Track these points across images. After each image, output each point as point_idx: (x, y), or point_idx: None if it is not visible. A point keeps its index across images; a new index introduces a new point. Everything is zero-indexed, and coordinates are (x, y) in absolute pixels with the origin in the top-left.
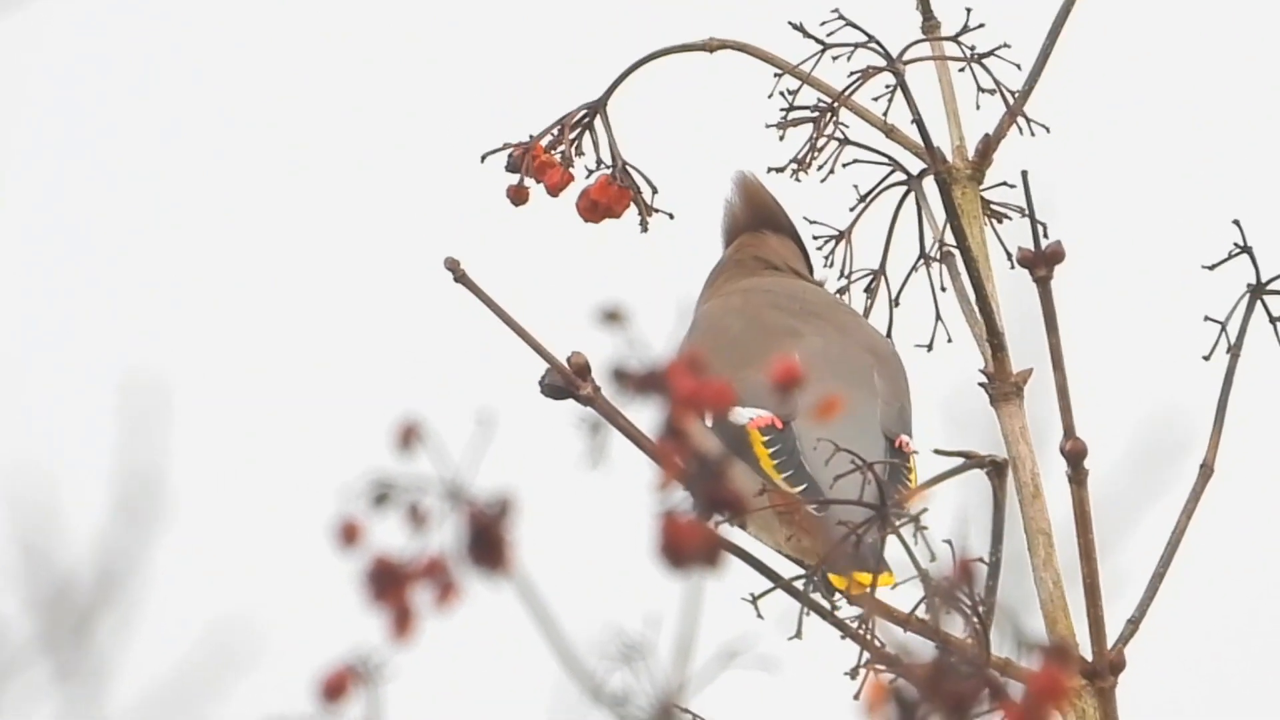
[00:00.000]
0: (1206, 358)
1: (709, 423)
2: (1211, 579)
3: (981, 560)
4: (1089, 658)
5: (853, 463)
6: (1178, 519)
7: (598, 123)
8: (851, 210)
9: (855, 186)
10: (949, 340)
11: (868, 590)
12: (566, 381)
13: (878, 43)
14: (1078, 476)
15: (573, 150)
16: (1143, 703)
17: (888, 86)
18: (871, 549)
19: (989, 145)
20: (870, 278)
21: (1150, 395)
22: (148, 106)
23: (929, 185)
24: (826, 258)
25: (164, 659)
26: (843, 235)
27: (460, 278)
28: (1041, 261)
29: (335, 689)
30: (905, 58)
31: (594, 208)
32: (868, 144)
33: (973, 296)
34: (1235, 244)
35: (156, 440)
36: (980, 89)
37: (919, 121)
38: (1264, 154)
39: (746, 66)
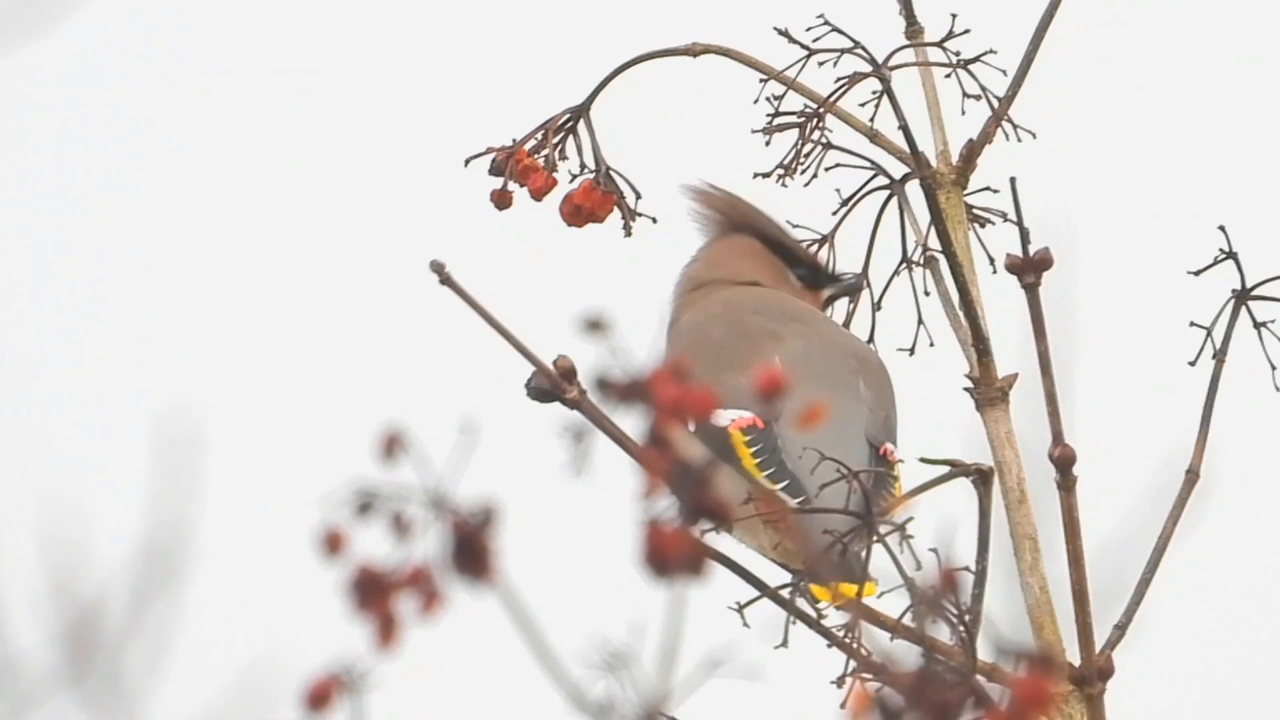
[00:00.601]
0: (1192, 363)
1: (692, 428)
2: (1198, 585)
3: (967, 568)
4: (1077, 664)
5: (838, 470)
6: (1164, 525)
7: (581, 127)
8: (835, 214)
9: (838, 191)
10: (931, 345)
11: (850, 601)
12: (552, 385)
13: (863, 48)
14: (1066, 483)
15: (556, 154)
16: (1130, 709)
17: (873, 92)
18: (855, 558)
19: (973, 150)
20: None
21: (1136, 401)
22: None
23: (913, 190)
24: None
25: (193, 698)
26: (826, 239)
27: (445, 281)
28: (1030, 268)
29: (320, 698)
30: (890, 63)
31: (577, 212)
32: (852, 149)
33: (957, 301)
34: (1220, 249)
35: (188, 477)
36: (965, 94)
37: (904, 127)
38: (1249, 159)
39: (731, 71)
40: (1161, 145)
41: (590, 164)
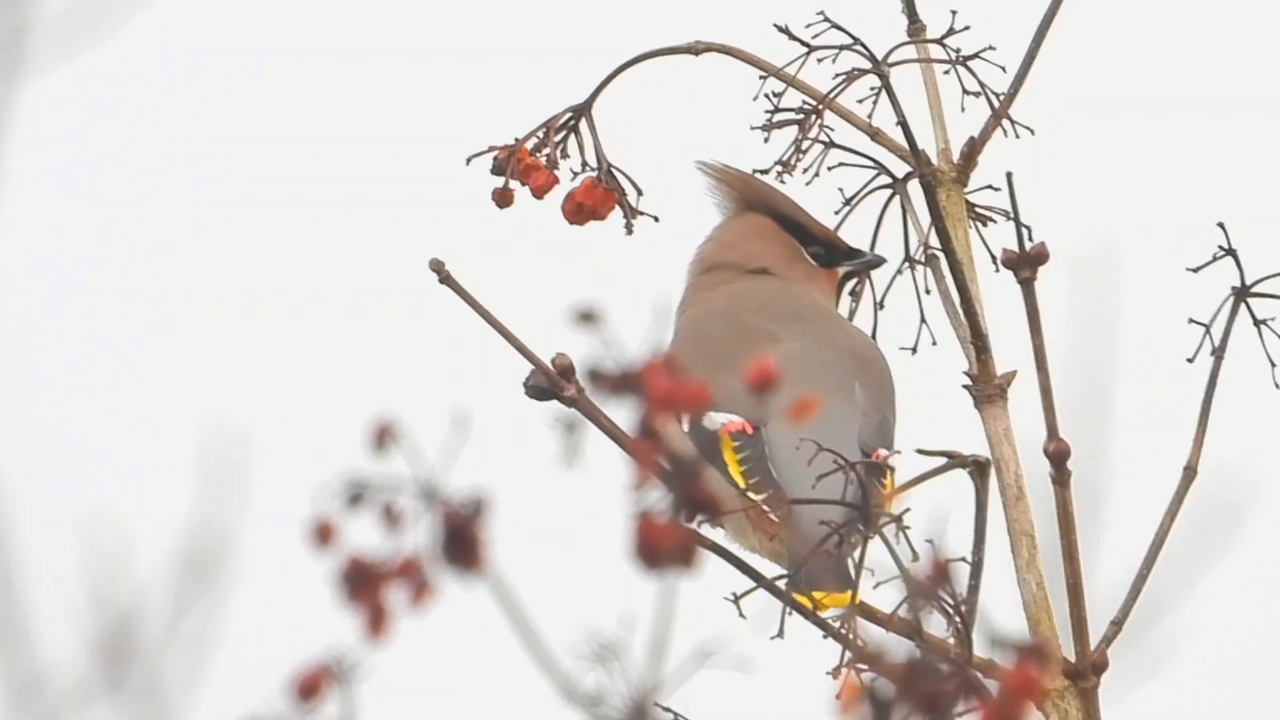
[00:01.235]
0: (1191, 360)
1: (685, 426)
2: (1194, 580)
3: (963, 560)
4: (1072, 658)
5: (821, 477)
6: (1161, 520)
7: (583, 125)
8: (837, 213)
9: (840, 190)
10: (933, 343)
11: (830, 607)
12: (551, 383)
13: (863, 45)
14: (1061, 478)
15: (558, 153)
16: (1125, 704)
17: (873, 89)
18: (843, 561)
19: (974, 148)
20: (855, 280)
21: (1134, 395)
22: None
23: (914, 188)
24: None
25: (232, 708)
26: None
27: (445, 279)
28: (1026, 263)
29: (310, 688)
30: (890, 60)
31: (579, 210)
32: (853, 147)
33: (957, 299)
34: (1220, 247)
35: (230, 486)
36: (965, 91)
37: (904, 124)
38: (1249, 156)
39: (732, 69)
40: (1161, 142)
41: (592, 162)
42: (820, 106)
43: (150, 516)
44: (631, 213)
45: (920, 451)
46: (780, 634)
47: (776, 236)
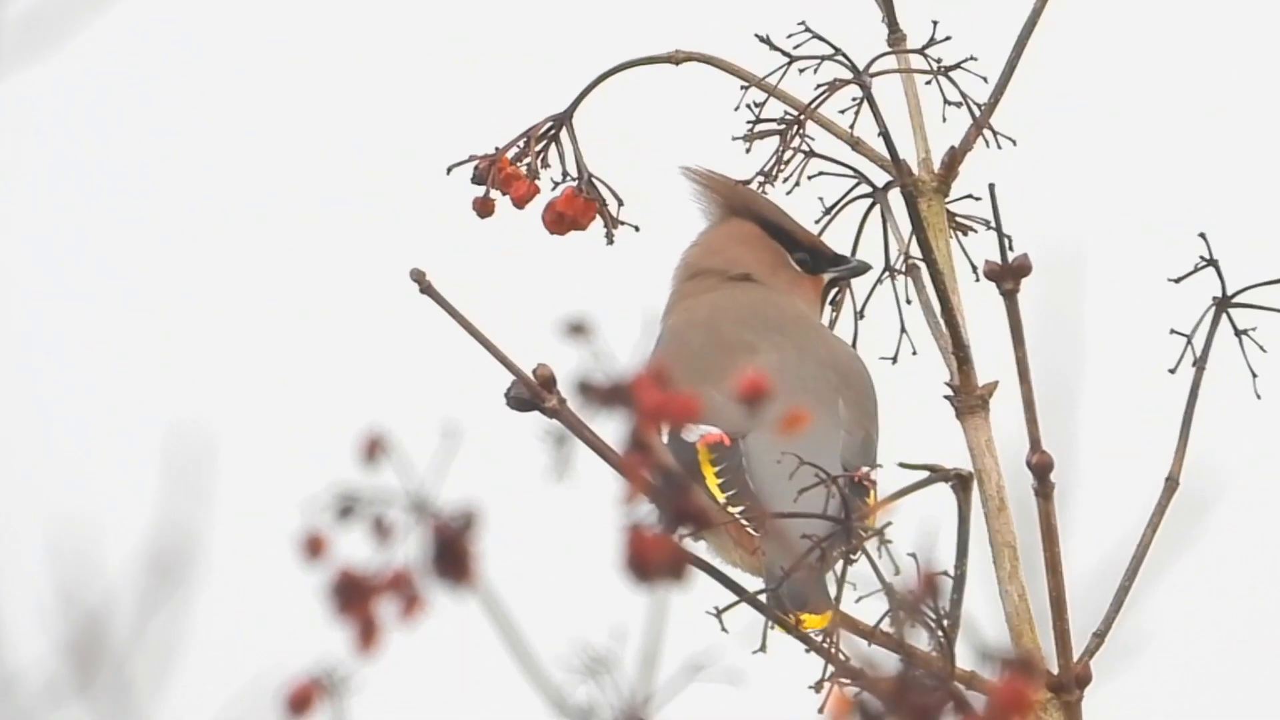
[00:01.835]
0: (1172, 371)
1: (665, 438)
2: (1177, 592)
3: (946, 573)
4: (1055, 671)
5: (803, 490)
6: (1143, 532)
7: (563, 135)
8: (817, 222)
9: (821, 199)
10: (914, 353)
11: (812, 627)
12: (532, 394)
13: (844, 55)
14: (1044, 490)
15: (538, 162)
16: (1108, 716)
17: (854, 99)
18: (818, 579)
19: (955, 158)
20: (835, 290)
21: (1116, 406)
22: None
23: (895, 198)
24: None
25: (200, 709)
26: None
27: (426, 289)
28: (1008, 275)
29: (300, 702)
30: (872, 70)
31: (560, 220)
32: (834, 156)
33: (938, 309)
34: (1201, 257)
35: (196, 488)
36: (946, 102)
37: (885, 134)
38: (1230, 166)
39: (713, 79)
40: (1142, 152)
41: (573, 171)
42: (802, 116)
43: (118, 519)
44: (612, 222)
45: (902, 465)
46: (763, 648)
47: (761, 242)
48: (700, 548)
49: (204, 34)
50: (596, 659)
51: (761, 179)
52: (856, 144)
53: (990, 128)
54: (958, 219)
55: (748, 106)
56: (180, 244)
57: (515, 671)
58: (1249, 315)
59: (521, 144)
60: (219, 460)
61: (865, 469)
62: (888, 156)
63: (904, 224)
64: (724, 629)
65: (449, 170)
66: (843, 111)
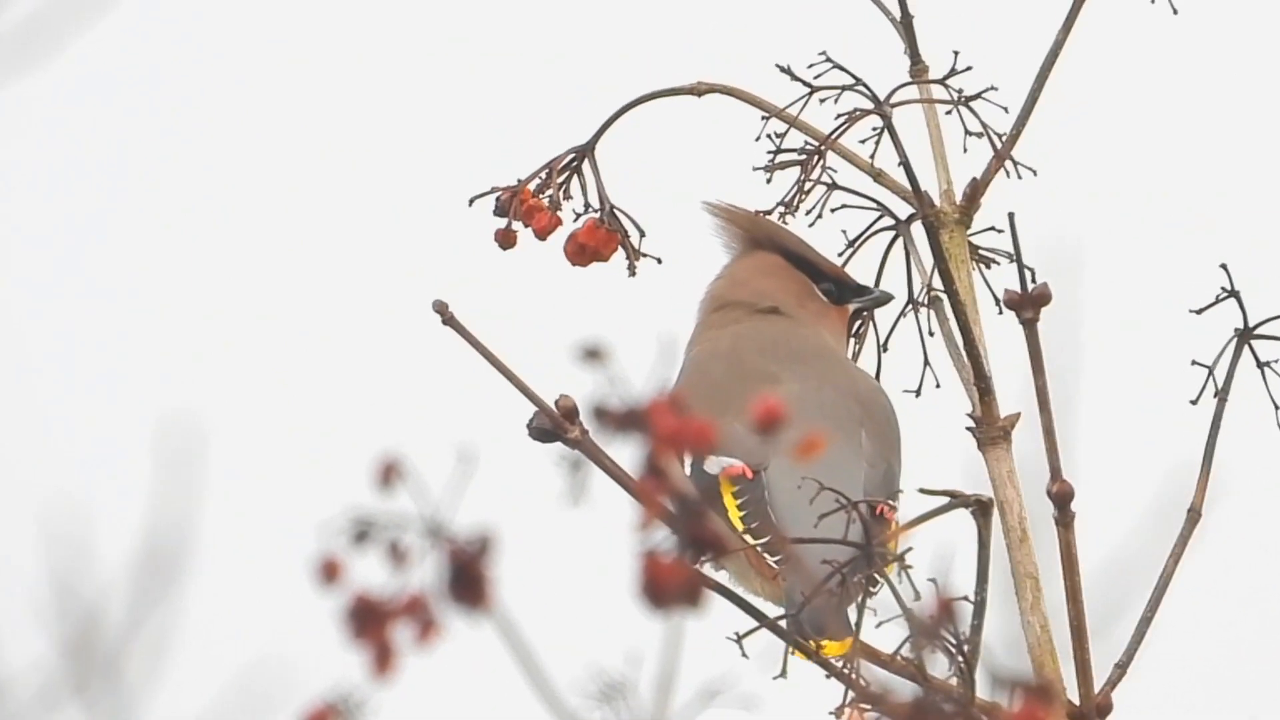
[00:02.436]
0: (1194, 402)
1: (687, 470)
2: (1199, 624)
3: (965, 599)
4: (1076, 701)
5: (823, 516)
6: (1165, 563)
7: (585, 166)
8: (840, 255)
9: (843, 231)
10: (937, 385)
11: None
12: (554, 425)
13: (865, 86)
14: (1064, 519)
15: (560, 194)
16: None
17: (875, 129)
18: (838, 607)
19: (976, 189)
20: (859, 322)
21: (1138, 440)
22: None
23: (917, 229)
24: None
25: (195, 699)
26: None
27: (448, 320)
28: (1028, 304)
29: None
30: (892, 101)
31: (581, 251)
32: (855, 188)
33: (960, 341)
34: (1223, 288)
35: (189, 482)
36: (968, 132)
37: (906, 165)
38: (1253, 198)
39: (734, 110)
40: (1165, 182)
41: (594, 203)
42: (822, 147)
43: (112, 515)
44: (634, 254)
45: (923, 491)
46: (783, 674)
47: (787, 274)
48: (721, 576)
49: (204, 34)
50: (612, 684)
51: (782, 209)
52: (878, 175)
53: (1012, 158)
54: (979, 250)
55: (769, 137)
56: (184, 247)
57: (531, 697)
58: (1271, 347)
59: (544, 175)
60: (213, 458)
61: (888, 505)
62: (909, 187)
63: (926, 255)
64: (744, 654)
65: (471, 202)
66: (864, 142)
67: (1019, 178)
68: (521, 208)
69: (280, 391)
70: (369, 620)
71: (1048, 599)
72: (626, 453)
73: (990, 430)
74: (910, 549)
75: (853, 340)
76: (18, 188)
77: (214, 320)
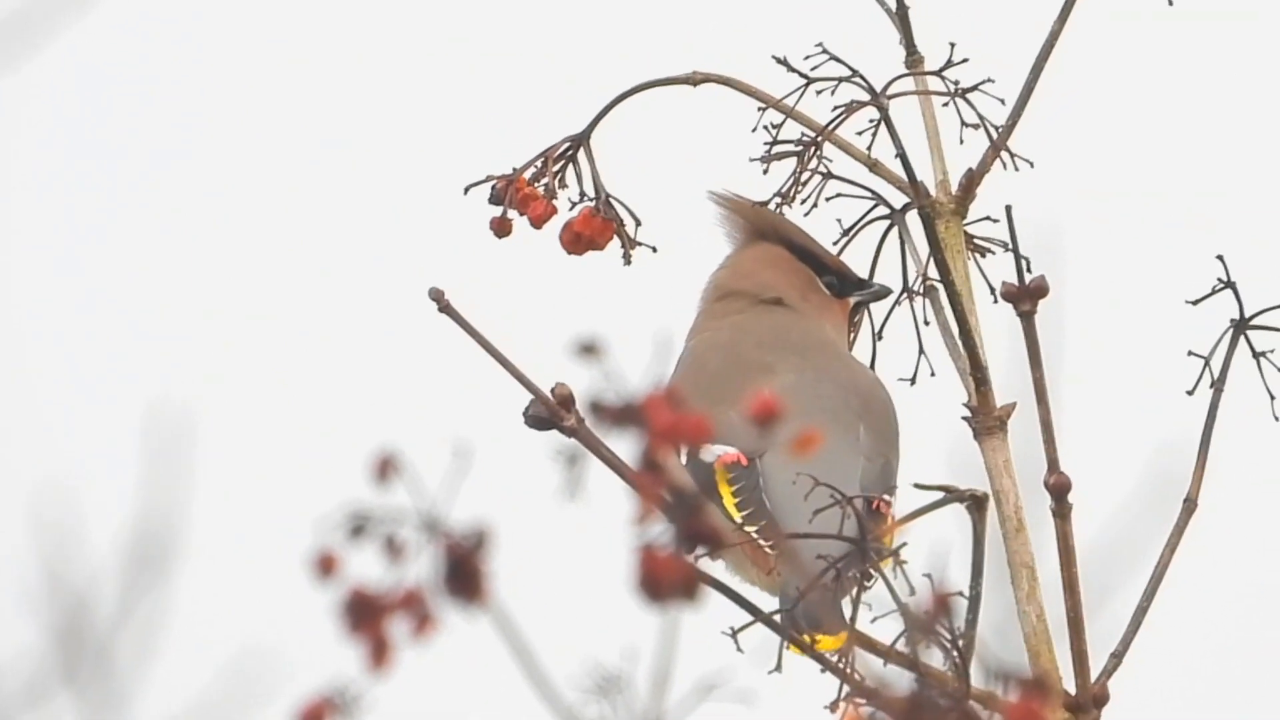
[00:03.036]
0: (1190, 392)
1: (683, 459)
2: (1195, 613)
3: (961, 594)
4: (1072, 691)
5: (819, 510)
6: (1161, 553)
7: (581, 155)
8: (835, 244)
9: (839, 220)
10: (932, 374)
11: (827, 648)
12: (550, 413)
13: (861, 77)
14: (1061, 510)
15: (556, 183)
16: None
17: (871, 121)
18: (833, 600)
19: (972, 180)
20: (854, 312)
21: (1134, 430)
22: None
23: (912, 219)
24: None
25: (185, 688)
26: None
27: (444, 308)
28: (1025, 296)
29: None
30: (889, 92)
31: (577, 240)
32: (851, 178)
33: (956, 331)
34: (1219, 279)
35: (179, 468)
36: (964, 123)
37: (902, 156)
38: (1249, 188)
39: (730, 100)
40: (1160, 173)
41: (590, 192)
42: (819, 138)
43: (101, 504)
44: (630, 243)
45: (918, 486)
46: (778, 668)
47: (791, 266)
48: (717, 566)
49: (204, 33)
50: (608, 678)
51: (779, 200)
52: (874, 166)
53: (1008, 149)
54: (975, 240)
55: (765, 128)
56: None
57: (527, 691)
58: (1267, 337)
59: (539, 164)
60: (203, 447)
61: (885, 499)
62: (905, 178)
63: (921, 245)
64: (739, 649)
65: (467, 190)
66: (860, 133)
67: (1015, 169)
68: (517, 196)
69: (276, 385)
70: (365, 614)
71: (1043, 588)
72: (625, 444)
73: (987, 420)
74: (905, 543)
75: (849, 333)
76: (16, 184)
77: (212, 319)
